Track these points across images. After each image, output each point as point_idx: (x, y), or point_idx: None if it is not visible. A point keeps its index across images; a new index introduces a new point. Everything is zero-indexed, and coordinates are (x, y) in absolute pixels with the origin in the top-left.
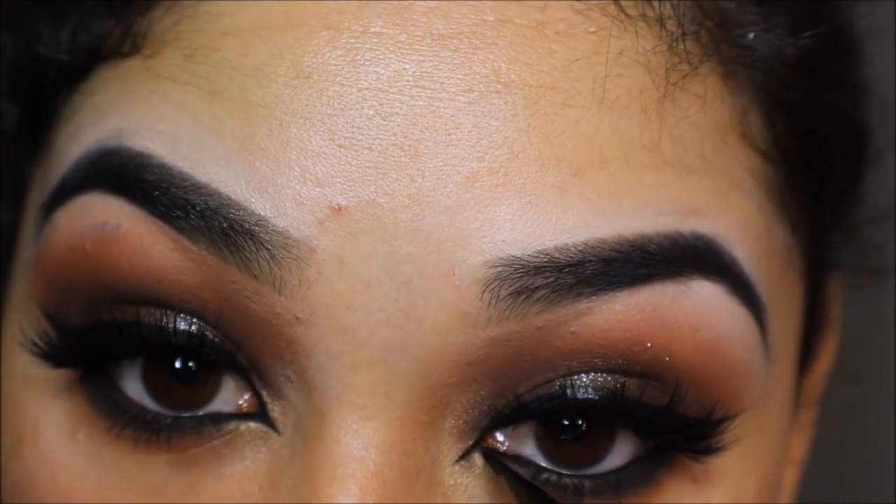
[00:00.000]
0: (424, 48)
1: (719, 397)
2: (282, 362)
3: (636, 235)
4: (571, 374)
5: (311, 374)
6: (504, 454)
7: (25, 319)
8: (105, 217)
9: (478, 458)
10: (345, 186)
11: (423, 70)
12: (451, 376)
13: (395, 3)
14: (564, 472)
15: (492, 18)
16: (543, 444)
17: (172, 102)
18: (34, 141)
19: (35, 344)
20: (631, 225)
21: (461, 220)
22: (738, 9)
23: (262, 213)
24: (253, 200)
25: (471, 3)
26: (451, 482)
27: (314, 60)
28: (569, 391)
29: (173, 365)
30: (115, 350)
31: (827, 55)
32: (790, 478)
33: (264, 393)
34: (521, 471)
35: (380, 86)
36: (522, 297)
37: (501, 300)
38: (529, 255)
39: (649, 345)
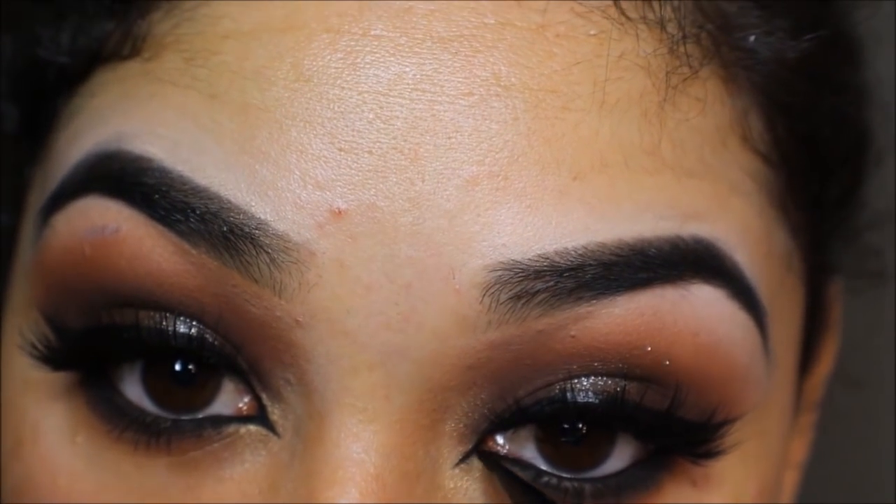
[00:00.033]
0: (425, 51)
1: (720, 401)
2: (282, 365)
3: (636, 239)
4: (571, 377)
5: (310, 378)
6: (504, 457)
7: (25, 323)
8: (104, 220)
9: (478, 462)
10: (345, 190)
11: (424, 73)
12: (450, 380)
13: (396, 5)
14: (564, 475)
15: (492, 21)
16: (543, 447)
17: (172, 106)
18: (34, 143)
19: (35, 347)
20: (631, 229)
21: (461, 223)
22: (740, 11)
23: (262, 217)
24: (253, 204)
25: (471, 5)
26: (451, 485)
27: (314, 63)
28: (569, 395)
29: (173, 368)
30: (115, 353)
31: (828, 58)
32: (790, 481)
33: (264, 396)
34: (521, 474)
35: (380, 89)
36: (522, 301)
37: (501, 304)
38: (529, 259)
39: (649, 349)
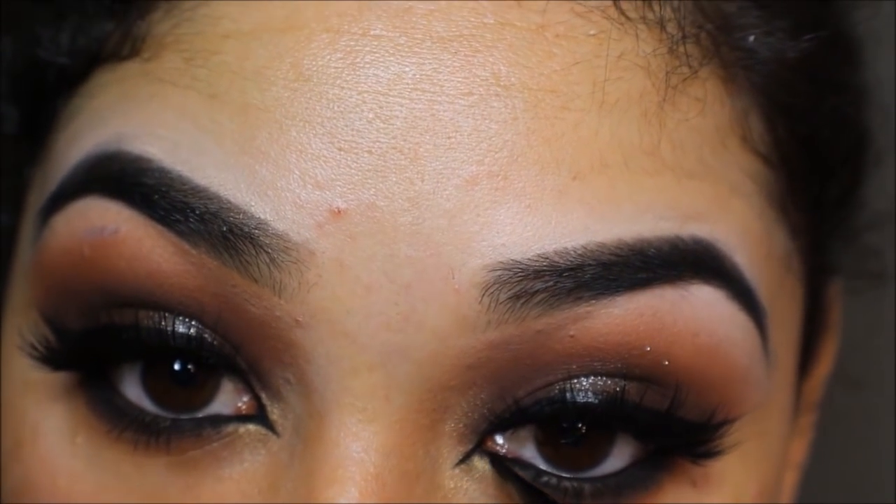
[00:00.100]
0: (424, 51)
1: (719, 401)
2: (281, 365)
3: (636, 239)
4: (571, 377)
5: (310, 377)
6: (504, 457)
7: (24, 323)
8: (104, 221)
9: (477, 462)
10: (344, 190)
11: (423, 73)
12: (450, 379)
13: (395, 5)
14: (564, 475)
15: (492, 21)
16: (543, 447)
17: (172, 106)
18: (34, 144)
19: (34, 348)
20: (630, 229)
21: (461, 223)
22: (739, 11)
23: (262, 217)
24: (252, 204)
25: (471, 5)
26: (451, 485)
27: (314, 63)
28: (568, 395)
29: (172, 368)
30: (115, 353)
31: (828, 59)
32: (790, 481)
33: (263, 395)
34: (521, 474)
35: (379, 89)
36: (522, 301)
37: (501, 304)
38: (529, 259)
39: (649, 349)
